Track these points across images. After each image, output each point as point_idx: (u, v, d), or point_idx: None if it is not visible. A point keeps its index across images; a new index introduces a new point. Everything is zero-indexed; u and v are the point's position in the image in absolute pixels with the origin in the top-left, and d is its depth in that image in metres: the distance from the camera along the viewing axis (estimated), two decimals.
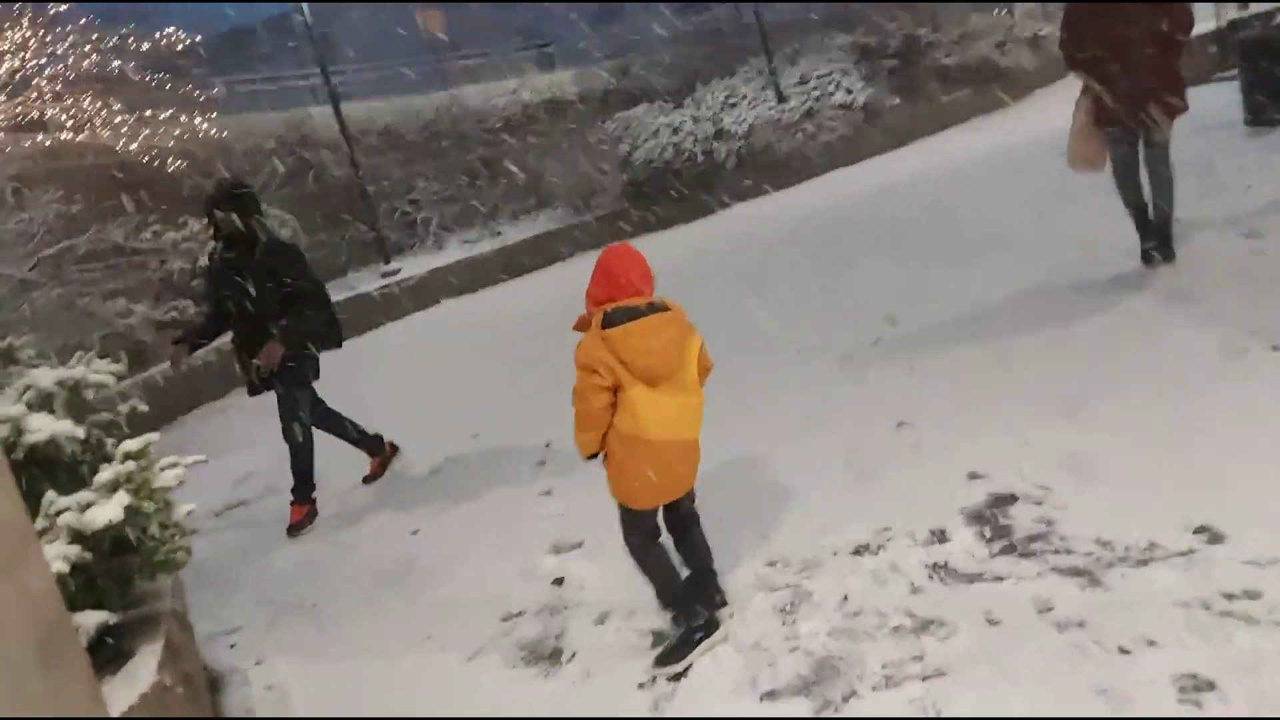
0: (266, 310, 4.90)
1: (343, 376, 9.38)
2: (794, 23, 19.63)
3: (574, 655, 3.22)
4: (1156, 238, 5.63)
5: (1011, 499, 3.45)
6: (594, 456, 3.05)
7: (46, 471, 2.76)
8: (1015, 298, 5.89)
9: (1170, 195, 5.57)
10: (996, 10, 19.06)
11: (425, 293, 12.10)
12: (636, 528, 3.12)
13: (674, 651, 3.01)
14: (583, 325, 2.99)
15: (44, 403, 2.83)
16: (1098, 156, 5.67)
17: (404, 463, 5.78)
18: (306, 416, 5.17)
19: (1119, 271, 5.72)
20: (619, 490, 3.04)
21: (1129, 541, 2.96)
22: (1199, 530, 2.93)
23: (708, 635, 3.03)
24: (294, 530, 5.07)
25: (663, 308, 2.96)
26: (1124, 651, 2.48)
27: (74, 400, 2.85)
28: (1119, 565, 2.86)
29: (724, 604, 3.16)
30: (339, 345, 5.44)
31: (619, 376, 2.86)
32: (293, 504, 5.17)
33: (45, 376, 2.86)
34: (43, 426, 2.57)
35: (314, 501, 5.25)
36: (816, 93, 16.01)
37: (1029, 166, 9.99)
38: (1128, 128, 5.48)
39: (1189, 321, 4.69)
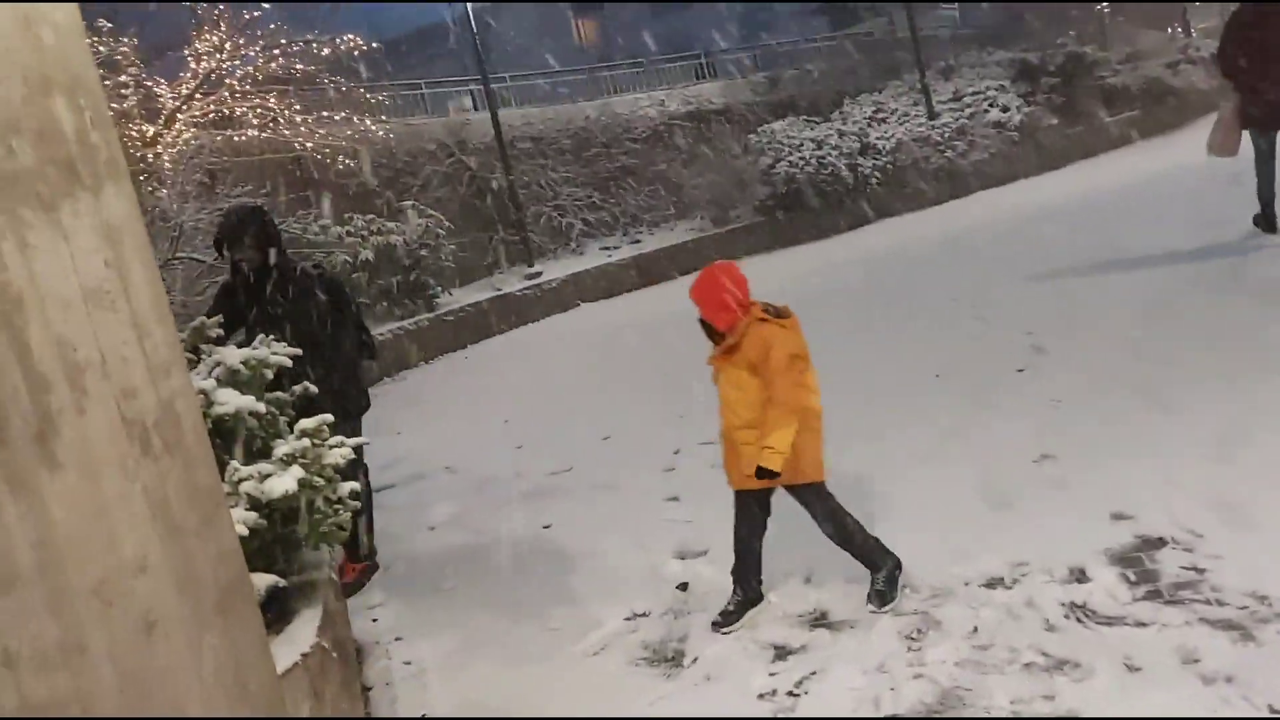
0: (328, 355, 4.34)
1: (481, 373, 9.84)
2: (951, 36, 19.17)
3: (695, 660, 3.28)
4: None
5: (1160, 542, 3.31)
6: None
7: (227, 442, 3.04)
8: (1170, 328, 5.60)
9: None
10: (1170, 29, 18.07)
11: (564, 296, 12.44)
12: (826, 495, 3.40)
13: (888, 588, 3.33)
14: (740, 331, 3.24)
15: (230, 379, 3.11)
16: (1234, 148, 6.84)
17: (538, 461, 5.97)
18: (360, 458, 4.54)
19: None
20: (811, 465, 3.31)
21: None
22: None
23: (893, 568, 3.40)
24: (350, 590, 4.41)
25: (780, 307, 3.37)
26: (1275, 711, 2.36)
27: (255, 379, 3.12)
28: (1275, 621, 2.71)
29: (762, 598, 3.52)
30: (374, 358, 4.99)
31: (808, 357, 3.27)
32: (351, 562, 4.59)
33: (232, 355, 3.14)
34: (229, 400, 2.84)
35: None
36: (970, 110, 15.58)
37: (1197, 191, 9.45)
38: (1266, 130, 6.64)
39: None
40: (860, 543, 3.39)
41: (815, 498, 3.39)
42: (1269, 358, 4.73)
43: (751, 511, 3.43)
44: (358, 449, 4.33)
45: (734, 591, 3.49)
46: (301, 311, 4.33)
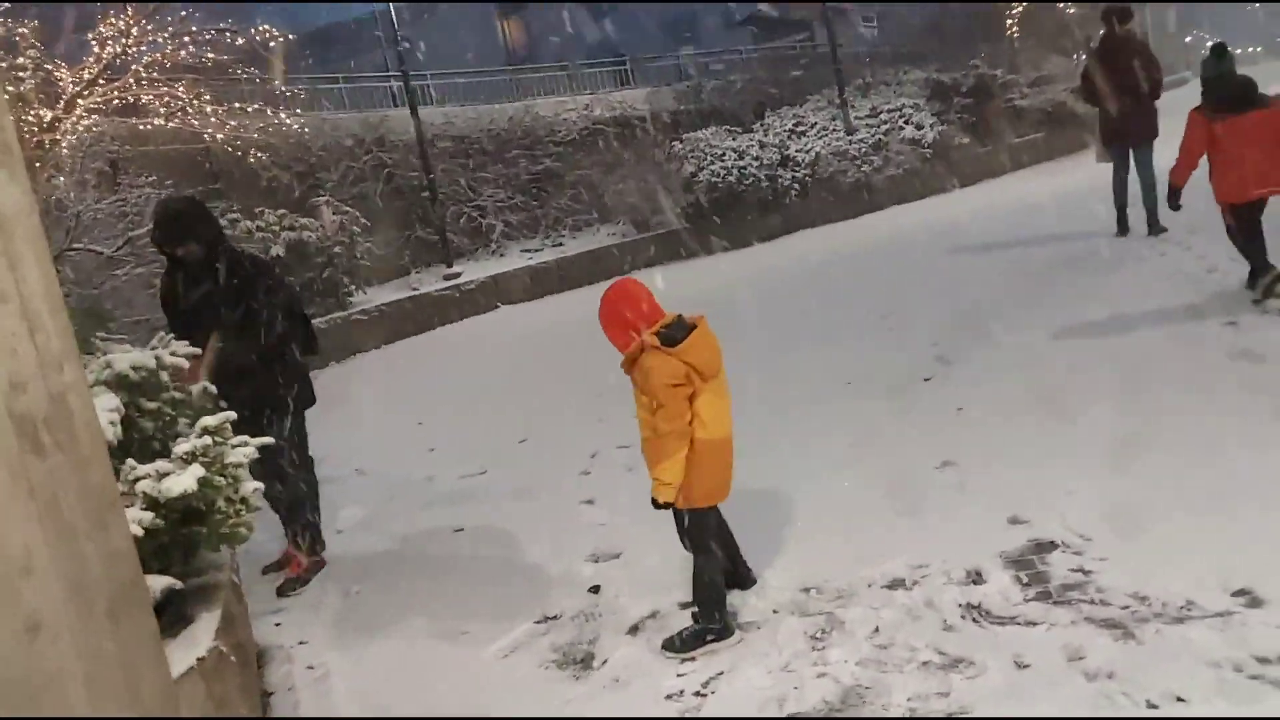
0: (254, 335, 4.25)
1: (396, 374, 9.67)
2: (868, 54, 19.66)
3: (605, 662, 3.30)
4: (1149, 220, 8.24)
5: (1051, 546, 3.46)
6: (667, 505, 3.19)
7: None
8: (1070, 343, 5.86)
9: (1153, 192, 8.13)
10: (1076, 56, 18.89)
11: (484, 297, 12.34)
12: (707, 527, 3.32)
13: (685, 643, 3.24)
14: (633, 354, 3.16)
15: (118, 383, 3.01)
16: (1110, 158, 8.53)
17: (451, 464, 5.91)
18: (306, 450, 4.58)
19: (1182, 326, 5.69)
20: (700, 494, 3.22)
21: (1166, 598, 2.96)
22: (1238, 593, 2.92)
23: (719, 640, 3.23)
24: (290, 587, 4.41)
25: (692, 321, 3.22)
26: (1152, 706, 2.49)
27: (151, 380, 3.03)
28: (1154, 621, 2.87)
29: (754, 581, 3.54)
30: (316, 352, 4.86)
31: (695, 384, 3.11)
32: (294, 551, 4.56)
33: (122, 360, 3.04)
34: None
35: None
36: (886, 126, 16.01)
37: (1093, 211, 9.91)
38: (1111, 144, 8.43)
39: (1245, 382, 4.64)
40: (707, 585, 3.29)
41: (694, 526, 3.30)
42: (1167, 374, 4.99)
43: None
44: (304, 442, 4.47)
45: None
46: (249, 306, 4.22)
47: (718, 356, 3.20)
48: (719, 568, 3.37)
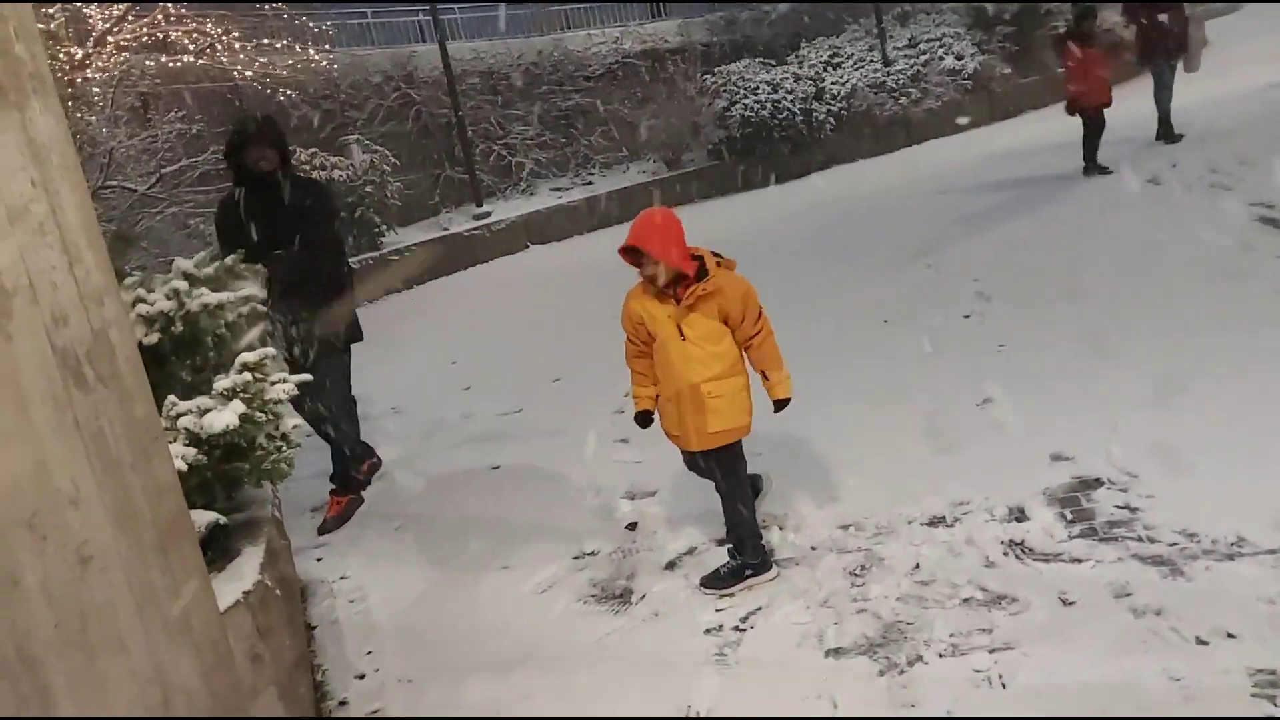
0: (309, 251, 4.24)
1: (428, 314, 9.69)
2: None
3: (644, 597, 3.32)
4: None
5: (1096, 483, 3.40)
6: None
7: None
8: (1113, 277, 5.72)
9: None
10: None
11: (514, 237, 12.27)
12: (743, 457, 3.33)
13: (724, 579, 3.23)
14: (696, 274, 3.10)
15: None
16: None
17: (487, 402, 5.92)
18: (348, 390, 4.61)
19: (1224, 262, 5.52)
20: (747, 420, 3.20)
21: (1215, 535, 2.91)
22: None
23: (758, 575, 3.22)
24: (334, 524, 4.48)
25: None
26: (1201, 642, 2.46)
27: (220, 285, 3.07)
28: (1203, 558, 2.82)
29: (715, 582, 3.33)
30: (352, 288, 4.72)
31: None
32: (336, 496, 4.61)
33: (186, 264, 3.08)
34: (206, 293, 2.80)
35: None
36: (925, 57, 15.55)
37: (1140, 143, 9.60)
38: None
39: None
40: (743, 520, 3.26)
41: (739, 455, 3.29)
42: (1210, 311, 4.86)
43: (708, 473, 3.33)
44: (348, 378, 4.51)
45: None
46: (318, 225, 4.29)
47: None
48: (752, 500, 3.36)
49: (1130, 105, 10.24)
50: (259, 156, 4.23)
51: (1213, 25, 15.91)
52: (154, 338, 2.79)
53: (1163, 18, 9.28)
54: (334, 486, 4.62)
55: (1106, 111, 8.92)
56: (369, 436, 5.46)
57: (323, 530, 4.44)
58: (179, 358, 2.84)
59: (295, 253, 4.14)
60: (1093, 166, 8.96)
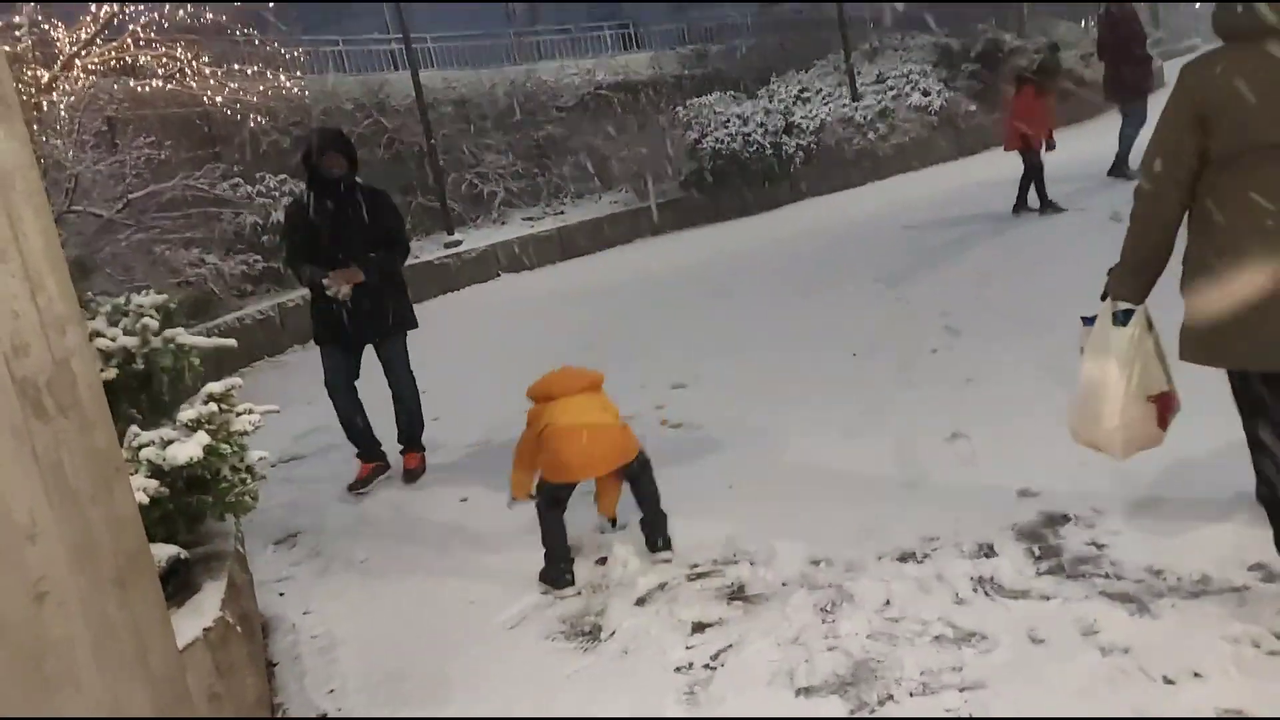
0: (369, 249, 4.90)
1: None
2: (876, 19, 19.39)
3: (613, 634, 3.28)
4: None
5: (1064, 519, 3.43)
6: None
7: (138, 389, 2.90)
8: (1078, 310, 5.78)
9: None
10: (1084, 21, 18.64)
11: (485, 265, 12.23)
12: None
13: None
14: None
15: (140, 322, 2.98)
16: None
17: (455, 433, 5.87)
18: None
19: None
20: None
21: (1182, 572, 2.94)
22: (1254, 567, 2.89)
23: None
24: (356, 485, 5.14)
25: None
26: (1168, 681, 2.47)
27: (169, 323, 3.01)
28: (1170, 595, 2.84)
29: (667, 546, 3.71)
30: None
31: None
32: (408, 452, 5.29)
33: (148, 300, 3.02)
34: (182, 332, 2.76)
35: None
36: (893, 92, 15.81)
37: (1096, 179, 9.83)
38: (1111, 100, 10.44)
39: None
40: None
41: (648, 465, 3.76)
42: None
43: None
44: (406, 357, 5.22)
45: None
46: (376, 227, 4.90)
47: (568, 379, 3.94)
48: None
49: (1078, 145, 10.57)
50: (332, 163, 4.78)
51: (1168, 65, 16.37)
52: (110, 373, 2.73)
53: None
54: (402, 446, 5.25)
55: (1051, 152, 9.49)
56: (335, 465, 5.39)
57: (408, 479, 5.15)
58: (130, 396, 2.78)
59: (385, 255, 4.91)
60: (1025, 206, 9.45)
